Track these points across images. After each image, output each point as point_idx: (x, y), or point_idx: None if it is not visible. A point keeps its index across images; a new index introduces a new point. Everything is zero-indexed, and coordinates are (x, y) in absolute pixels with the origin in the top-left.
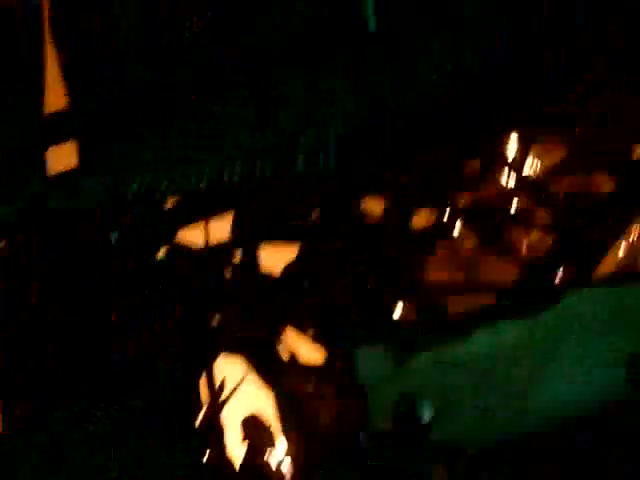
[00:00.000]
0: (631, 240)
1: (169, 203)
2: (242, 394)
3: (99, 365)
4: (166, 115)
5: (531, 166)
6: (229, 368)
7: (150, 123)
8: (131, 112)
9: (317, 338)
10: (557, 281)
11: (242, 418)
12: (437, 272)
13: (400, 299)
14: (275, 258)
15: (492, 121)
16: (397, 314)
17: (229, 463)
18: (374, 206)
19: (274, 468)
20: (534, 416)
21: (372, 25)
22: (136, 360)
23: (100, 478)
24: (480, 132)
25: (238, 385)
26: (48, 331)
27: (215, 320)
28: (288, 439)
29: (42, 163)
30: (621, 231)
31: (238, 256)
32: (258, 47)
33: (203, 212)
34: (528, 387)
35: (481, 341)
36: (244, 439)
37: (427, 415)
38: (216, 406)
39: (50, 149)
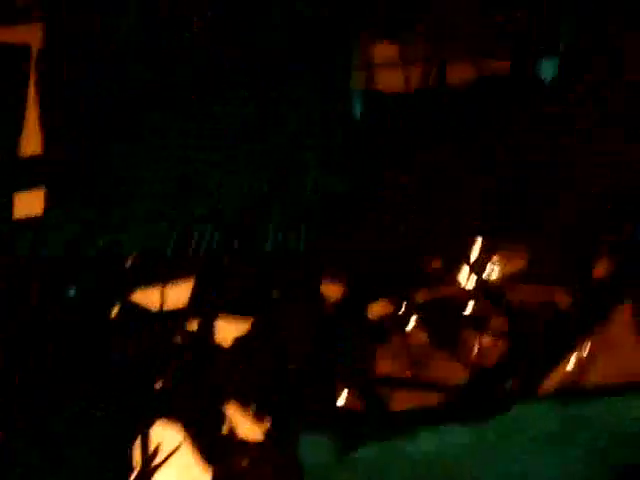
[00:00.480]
0: (581, 355)
1: (129, 261)
2: (176, 463)
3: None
4: (133, 176)
5: (491, 271)
6: (166, 435)
7: (120, 180)
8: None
9: (259, 416)
10: (506, 389)
11: None
12: (386, 365)
13: (347, 387)
14: (228, 331)
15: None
16: (342, 402)
17: None
18: (333, 291)
19: None
20: None
21: None
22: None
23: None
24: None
25: (173, 452)
26: None
27: (158, 384)
28: None
29: (10, 206)
30: (575, 345)
31: (193, 324)
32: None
33: (163, 275)
34: None
35: (426, 439)
36: None
37: None
38: (147, 471)
39: (19, 194)
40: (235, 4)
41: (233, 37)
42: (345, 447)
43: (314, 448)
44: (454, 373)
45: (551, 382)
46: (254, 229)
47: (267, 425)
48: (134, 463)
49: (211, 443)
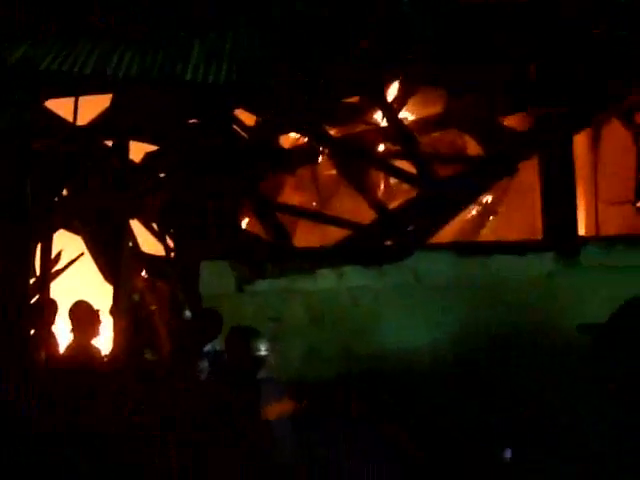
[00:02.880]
0: (480, 209)
1: None
2: (74, 272)
3: None
4: None
5: (407, 114)
6: (67, 243)
7: None
8: None
9: (161, 235)
10: (408, 235)
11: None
12: (295, 196)
13: (253, 215)
14: (142, 147)
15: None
16: (246, 229)
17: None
18: (247, 119)
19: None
20: (362, 357)
21: None
22: None
23: None
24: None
25: (73, 261)
26: None
27: (62, 193)
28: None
29: None
30: (476, 196)
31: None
32: None
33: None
34: (362, 329)
35: (326, 278)
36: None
37: (262, 350)
38: (47, 275)
39: None
40: None
41: None
42: (246, 277)
43: (215, 275)
44: (359, 211)
45: (452, 232)
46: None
47: (169, 243)
48: (35, 269)
49: (113, 255)
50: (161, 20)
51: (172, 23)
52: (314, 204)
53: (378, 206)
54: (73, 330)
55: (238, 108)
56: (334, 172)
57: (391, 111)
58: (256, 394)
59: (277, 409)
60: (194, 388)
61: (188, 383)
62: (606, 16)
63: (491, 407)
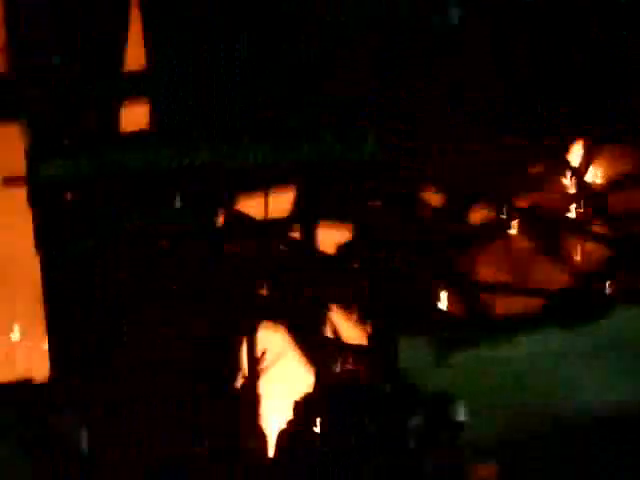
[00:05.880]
0: None
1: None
2: (282, 367)
3: None
4: None
5: (594, 175)
6: (271, 339)
7: None
8: None
9: (362, 321)
10: (607, 294)
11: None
12: (488, 270)
13: (448, 292)
14: (331, 237)
15: (563, 124)
16: (443, 306)
17: (260, 431)
18: (433, 198)
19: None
20: (565, 424)
21: None
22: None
23: None
24: (551, 134)
25: (279, 356)
26: None
27: (264, 290)
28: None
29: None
30: None
31: (296, 231)
32: None
33: (265, 184)
34: (564, 395)
35: (524, 344)
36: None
37: (460, 415)
38: (255, 374)
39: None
40: None
41: None
42: (443, 351)
43: (412, 351)
44: (555, 279)
45: None
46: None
47: (368, 329)
48: (242, 367)
49: (315, 347)
50: None
51: None
52: (510, 279)
53: (574, 271)
54: None
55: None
56: (527, 244)
57: (578, 175)
58: (458, 459)
59: (482, 473)
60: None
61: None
62: None
63: None
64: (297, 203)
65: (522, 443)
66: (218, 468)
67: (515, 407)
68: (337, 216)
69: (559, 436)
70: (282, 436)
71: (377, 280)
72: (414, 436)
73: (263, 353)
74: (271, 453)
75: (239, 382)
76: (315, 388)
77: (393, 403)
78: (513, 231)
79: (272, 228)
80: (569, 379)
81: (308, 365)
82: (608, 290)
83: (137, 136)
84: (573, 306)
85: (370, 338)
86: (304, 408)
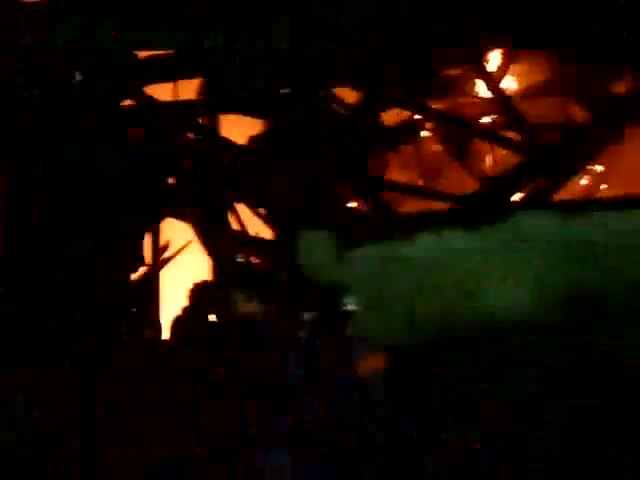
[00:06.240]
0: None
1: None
2: (183, 259)
3: None
4: None
5: (510, 82)
6: (175, 231)
7: None
8: None
9: (267, 218)
10: (514, 199)
11: (190, 283)
12: (397, 174)
13: (355, 191)
14: (238, 130)
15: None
16: (350, 204)
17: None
18: (347, 95)
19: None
20: (461, 323)
21: None
22: None
23: None
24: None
25: (182, 247)
26: None
27: (169, 180)
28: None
29: None
30: (586, 160)
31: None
32: None
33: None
34: (461, 295)
35: (426, 243)
36: (190, 303)
37: (350, 305)
38: (157, 264)
39: None
40: None
41: None
42: (343, 246)
43: (312, 244)
44: (464, 187)
45: (557, 195)
46: None
47: (273, 223)
48: (145, 257)
49: (218, 238)
50: None
51: None
52: (419, 182)
53: (482, 177)
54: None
55: (338, 85)
56: (437, 149)
57: (493, 81)
58: (347, 349)
59: (370, 365)
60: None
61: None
62: None
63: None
64: (205, 91)
65: (420, 344)
66: (218, 468)
67: (410, 304)
68: (247, 108)
69: (457, 338)
70: (176, 323)
71: (283, 175)
72: (307, 327)
73: (166, 244)
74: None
75: (141, 271)
76: (213, 276)
77: (287, 292)
78: (426, 133)
79: (180, 112)
80: (468, 280)
81: (211, 256)
82: (515, 197)
83: None
84: (478, 209)
85: (274, 231)
86: (198, 294)
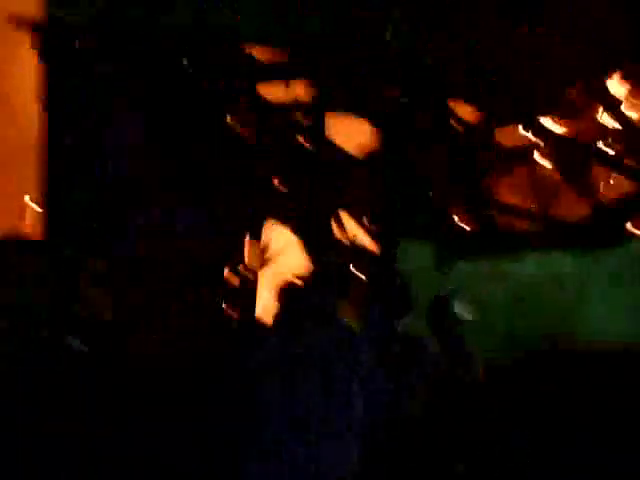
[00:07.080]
0: None
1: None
2: (283, 261)
3: None
4: None
5: (630, 108)
6: (276, 234)
7: None
8: None
9: (370, 226)
10: (626, 228)
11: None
12: (509, 192)
13: (463, 206)
14: (348, 132)
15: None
16: (455, 219)
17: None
18: (463, 112)
19: None
20: (562, 344)
21: None
22: None
23: None
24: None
25: (282, 250)
26: None
27: (274, 185)
28: None
29: None
30: None
31: (308, 122)
32: None
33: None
34: (562, 316)
35: (530, 262)
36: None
37: (465, 313)
38: (257, 264)
39: None
40: None
41: None
42: (443, 258)
43: (413, 254)
44: (577, 210)
45: None
46: None
47: (374, 231)
48: (245, 258)
49: (321, 245)
50: None
51: None
52: (532, 207)
53: (598, 202)
54: None
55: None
56: (554, 174)
57: (614, 107)
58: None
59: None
60: None
61: None
62: None
63: None
64: (315, 93)
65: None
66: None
67: (512, 325)
68: (358, 110)
69: (550, 362)
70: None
71: (393, 183)
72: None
73: (267, 244)
74: None
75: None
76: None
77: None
78: (541, 156)
79: (287, 116)
80: (574, 299)
81: (309, 261)
82: (627, 227)
83: None
84: (587, 235)
85: (375, 240)
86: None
